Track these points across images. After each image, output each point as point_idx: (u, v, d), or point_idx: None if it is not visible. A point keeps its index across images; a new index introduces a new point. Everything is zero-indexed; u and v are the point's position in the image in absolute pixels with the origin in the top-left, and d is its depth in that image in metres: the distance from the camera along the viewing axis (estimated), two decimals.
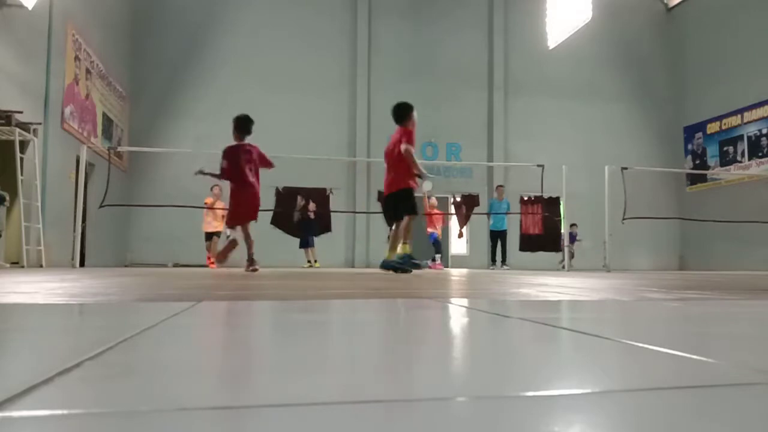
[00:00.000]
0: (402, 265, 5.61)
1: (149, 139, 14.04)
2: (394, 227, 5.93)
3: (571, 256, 14.43)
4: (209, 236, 10.79)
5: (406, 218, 5.73)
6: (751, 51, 14.73)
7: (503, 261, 12.11)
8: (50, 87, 9.57)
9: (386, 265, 5.77)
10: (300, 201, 11.57)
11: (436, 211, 12.24)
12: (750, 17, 14.81)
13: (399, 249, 5.75)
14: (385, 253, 5.90)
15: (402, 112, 5.87)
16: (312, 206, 11.56)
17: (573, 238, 14.47)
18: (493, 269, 11.47)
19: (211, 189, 10.43)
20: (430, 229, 12.23)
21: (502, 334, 1.15)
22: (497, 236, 12.29)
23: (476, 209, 12.97)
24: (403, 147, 5.71)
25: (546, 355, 0.87)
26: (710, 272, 9.79)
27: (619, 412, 0.51)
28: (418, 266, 5.76)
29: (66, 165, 10.20)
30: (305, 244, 12.05)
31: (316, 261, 12.23)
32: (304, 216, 11.63)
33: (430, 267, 11.27)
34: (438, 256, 12.12)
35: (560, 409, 0.51)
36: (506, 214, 12.16)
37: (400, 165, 5.79)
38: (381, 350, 0.94)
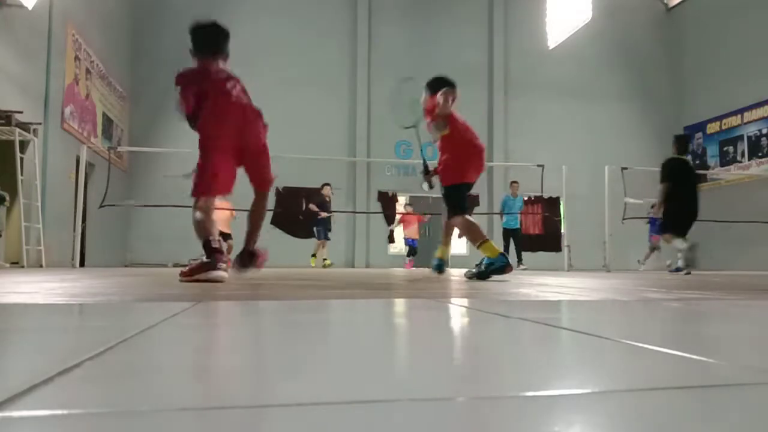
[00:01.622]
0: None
1: (149, 139, 14.04)
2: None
3: (656, 250, 13.08)
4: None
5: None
6: (751, 51, 14.73)
7: (519, 261, 11.61)
8: (50, 87, 9.57)
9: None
10: (311, 206, 11.34)
11: (410, 212, 12.88)
12: (750, 17, 14.82)
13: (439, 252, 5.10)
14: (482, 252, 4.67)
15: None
16: (312, 207, 11.37)
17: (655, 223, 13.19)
18: (524, 268, 11.01)
19: None
20: (408, 233, 12.85)
21: (502, 334, 1.15)
22: (510, 234, 11.89)
23: (476, 209, 12.99)
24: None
25: (546, 355, 0.87)
26: (710, 272, 9.79)
27: (620, 412, 0.51)
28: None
29: (66, 165, 10.20)
30: (323, 235, 11.59)
31: (325, 259, 11.59)
32: (313, 215, 11.40)
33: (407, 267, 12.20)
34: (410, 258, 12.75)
35: (560, 409, 0.51)
36: (519, 213, 11.91)
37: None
38: (381, 350, 0.94)
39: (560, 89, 16.50)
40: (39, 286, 2.71)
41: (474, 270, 4.58)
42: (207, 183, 3.56)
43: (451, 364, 0.77)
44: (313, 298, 2.16)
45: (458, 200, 4.91)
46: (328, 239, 11.62)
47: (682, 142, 7.89)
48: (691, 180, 7.48)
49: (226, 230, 10.09)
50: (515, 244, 11.81)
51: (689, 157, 7.86)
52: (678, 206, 7.27)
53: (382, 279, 4.49)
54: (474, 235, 4.78)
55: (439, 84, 4.76)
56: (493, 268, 4.52)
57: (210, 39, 3.95)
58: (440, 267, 5.16)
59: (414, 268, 11.90)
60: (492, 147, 15.92)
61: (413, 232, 12.80)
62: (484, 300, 2.12)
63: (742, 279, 5.20)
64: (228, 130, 3.58)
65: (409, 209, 13.08)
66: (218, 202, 10.33)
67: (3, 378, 0.63)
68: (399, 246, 15.05)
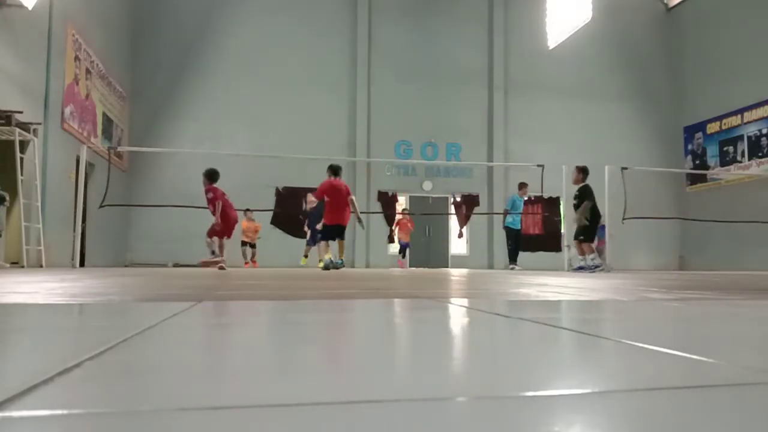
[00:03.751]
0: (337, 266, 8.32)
1: (149, 139, 14.03)
2: (339, 241, 8.52)
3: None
4: (243, 243, 12.33)
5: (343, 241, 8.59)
6: (751, 51, 14.73)
7: (514, 261, 11.55)
8: (50, 87, 9.56)
9: (335, 265, 8.26)
10: (309, 199, 11.33)
11: (406, 218, 13.71)
12: (750, 17, 14.81)
13: (331, 255, 8.33)
14: (336, 256, 8.41)
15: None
16: (310, 197, 11.30)
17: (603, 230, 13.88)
18: (514, 269, 11.00)
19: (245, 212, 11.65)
20: (401, 236, 13.68)
21: (502, 334, 1.15)
22: (515, 234, 11.81)
23: (477, 209, 13.00)
24: (353, 198, 8.54)
25: (546, 355, 0.87)
26: (710, 272, 9.79)
27: (620, 412, 0.51)
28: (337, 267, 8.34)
29: (66, 165, 10.19)
30: (313, 241, 11.48)
31: (305, 259, 11.87)
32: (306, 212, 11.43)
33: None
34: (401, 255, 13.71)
35: (560, 409, 0.51)
36: (520, 213, 11.91)
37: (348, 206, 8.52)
38: (381, 350, 0.94)
39: (560, 89, 16.49)
40: (39, 286, 2.71)
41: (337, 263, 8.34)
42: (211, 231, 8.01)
43: (451, 364, 0.77)
44: (312, 298, 2.16)
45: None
46: (317, 242, 11.78)
47: (586, 171, 9.49)
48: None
49: (252, 240, 12.26)
50: (515, 244, 11.77)
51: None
52: (593, 219, 9.16)
53: (382, 279, 4.49)
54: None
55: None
56: (337, 265, 8.26)
57: (211, 176, 8.01)
58: (338, 265, 8.34)
59: (408, 267, 12.20)
60: (492, 147, 15.91)
61: (406, 235, 13.61)
62: (484, 300, 2.12)
63: (742, 279, 5.20)
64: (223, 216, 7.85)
65: (405, 212, 13.83)
66: (246, 222, 11.91)
67: (3, 378, 0.63)
68: (398, 246, 15.11)
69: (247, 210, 11.72)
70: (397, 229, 13.90)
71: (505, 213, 12.01)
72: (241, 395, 0.56)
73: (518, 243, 11.81)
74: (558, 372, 0.72)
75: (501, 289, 2.95)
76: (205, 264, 7.79)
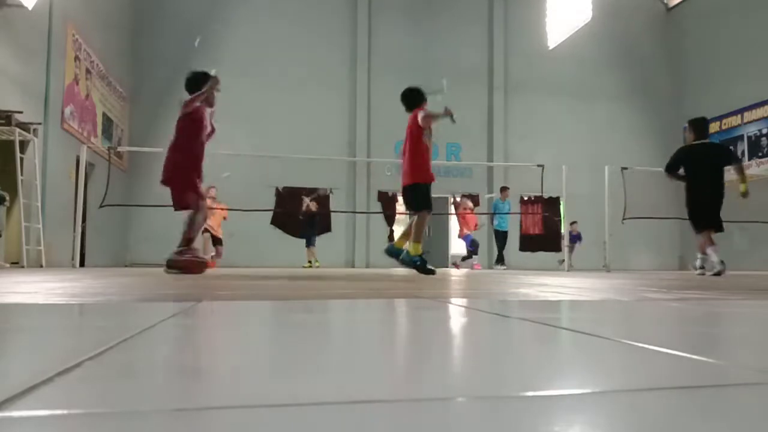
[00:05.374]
0: (423, 266, 5.25)
1: (149, 139, 14.01)
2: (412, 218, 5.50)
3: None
4: (204, 230, 10.59)
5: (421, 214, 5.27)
6: (751, 51, 14.72)
7: (501, 261, 12.06)
8: (50, 87, 9.56)
9: (405, 260, 5.37)
10: (305, 201, 11.69)
11: (468, 210, 12.33)
12: (750, 17, 14.81)
13: (410, 247, 5.36)
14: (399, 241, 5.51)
15: (415, 98, 5.88)
16: (313, 204, 11.64)
17: (574, 238, 14.29)
18: (505, 269, 11.36)
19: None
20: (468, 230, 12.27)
21: (502, 334, 1.15)
22: (503, 236, 12.20)
23: (476, 209, 13.02)
24: (420, 114, 5.55)
25: (546, 355, 0.87)
26: (710, 272, 9.76)
27: (619, 412, 0.51)
28: (431, 272, 5.31)
29: (66, 165, 10.19)
30: (309, 243, 12.18)
31: (317, 261, 12.23)
32: (306, 214, 11.73)
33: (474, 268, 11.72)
34: (475, 257, 12.21)
35: (560, 409, 0.51)
36: (509, 213, 12.13)
37: (416, 155, 5.58)
38: (381, 350, 0.94)
39: (560, 89, 16.49)
40: (39, 286, 2.71)
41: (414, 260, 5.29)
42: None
43: (451, 364, 0.77)
44: (313, 298, 2.16)
45: (429, 196, 5.52)
46: (313, 245, 12.15)
47: (696, 126, 6.92)
48: (704, 166, 6.60)
49: (218, 234, 10.92)
50: (502, 245, 12.08)
51: (709, 141, 7.03)
52: (690, 197, 6.64)
53: (383, 279, 4.49)
54: (422, 231, 5.34)
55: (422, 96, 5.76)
56: (424, 267, 5.25)
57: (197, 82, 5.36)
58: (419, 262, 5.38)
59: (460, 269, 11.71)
60: (492, 147, 15.91)
61: (472, 226, 12.23)
62: (484, 300, 2.12)
63: (743, 279, 5.20)
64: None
65: (468, 203, 12.40)
66: (215, 203, 10.57)
67: (3, 378, 0.63)
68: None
69: (211, 187, 9.78)
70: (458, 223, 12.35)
71: (491, 216, 12.28)
72: (240, 395, 0.56)
73: (504, 244, 12.04)
74: (558, 372, 0.72)
75: (501, 289, 2.95)
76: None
